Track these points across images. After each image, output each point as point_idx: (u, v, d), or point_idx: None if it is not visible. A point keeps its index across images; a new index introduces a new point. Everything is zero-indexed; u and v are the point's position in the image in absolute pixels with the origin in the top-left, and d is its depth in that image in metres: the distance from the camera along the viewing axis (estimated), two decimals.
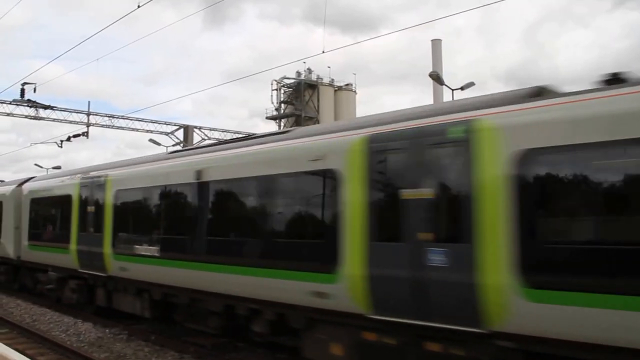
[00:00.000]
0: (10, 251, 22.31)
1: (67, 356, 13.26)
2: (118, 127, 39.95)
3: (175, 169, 13.95)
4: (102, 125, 38.98)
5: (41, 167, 54.87)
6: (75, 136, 37.12)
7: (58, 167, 45.63)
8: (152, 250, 13.95)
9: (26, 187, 22.41)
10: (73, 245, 17.77)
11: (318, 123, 67.11)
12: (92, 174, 17.68)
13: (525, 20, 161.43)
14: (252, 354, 12.82)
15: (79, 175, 18.59)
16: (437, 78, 32.71)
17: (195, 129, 41.63)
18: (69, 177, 19.39)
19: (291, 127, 69.61)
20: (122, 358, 12.93)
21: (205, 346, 13.23)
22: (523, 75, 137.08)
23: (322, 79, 76.58)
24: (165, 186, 14.03)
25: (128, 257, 14.92)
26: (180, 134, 41.25)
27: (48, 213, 20.58)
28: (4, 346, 10.13)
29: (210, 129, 43.10)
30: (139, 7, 17.61)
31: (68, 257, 17.94)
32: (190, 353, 13.09)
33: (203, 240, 12.50)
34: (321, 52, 23.12)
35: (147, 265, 14.09)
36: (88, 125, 37.70)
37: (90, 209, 17.04)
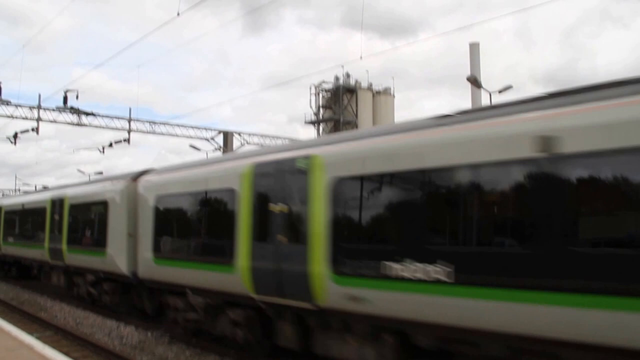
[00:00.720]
0: (121, 266, 17.17)
1: (110, 359, 13.33)
2: (159, 133, 40.20)
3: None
4: (143, 132, 39.32)
5: (83, 172, 55.96)
6: (117, 142, 37.67)
7: (100, 173, 46.34)
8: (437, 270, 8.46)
9: (146, 181, 16.79)
10: (243, 261, 12.06)
11: (357, 127, 67.05)
12: (274, 156, 12.03)
13: (563, 22, 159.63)
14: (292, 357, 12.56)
15: (249, 159, 12.75)
16: (474, 82, 32.52)
17: (235, 134, 41.80)
18: (229, 162, 13.95)
19: (330, 131, 69.77)
20: None
21: (245, 349, 13.05)
22: (562, 77, 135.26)
23: (360, 83, 76.60)
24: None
25: (368, 281, 9.41)
26: (220, 139, 41.46)
27: (187, 215, 14.95)
28: (52, 350, 10.28)
29: (250, 134, 43.26)
30: (178, 14, 17.77)
31: (232, 278, 12.37)
32: (230, 356, 13.05)
33: None
34: (359, 58, 23.07)
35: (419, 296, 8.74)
36: (129, 131, 38.10)
37: (279, 207, 11.33)
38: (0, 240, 30.95)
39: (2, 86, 33.86)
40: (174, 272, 14.54)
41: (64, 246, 21.19)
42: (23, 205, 28.32)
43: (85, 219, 20.31)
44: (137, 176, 17.58)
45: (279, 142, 41.51)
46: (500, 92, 32.03)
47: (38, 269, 26.34)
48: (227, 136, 40.97)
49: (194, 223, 14.51)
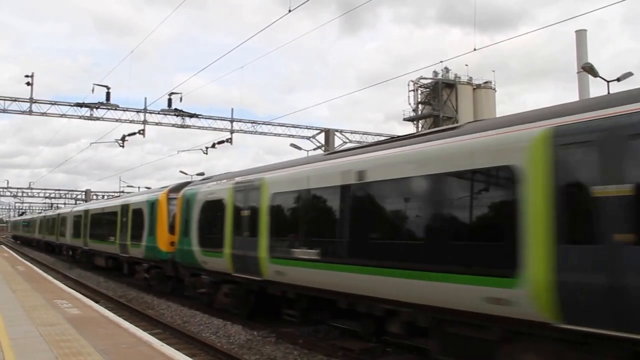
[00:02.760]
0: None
1: (218, 357, 13.51)
2: (261, 133, 40.73)
3: None
4: (246, 132, 39.99)
5: (186, 174, 57.45)
6: (219, 142, 38.40)
7: (202, 174, 47.43)
8: None
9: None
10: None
11: (457, 122, 65.76)
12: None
13: None
14: (400, 358, 12.59)
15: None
16: (590, 70, 30.48)
17: (336, 133, 41.93)
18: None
19: (430, 127, 68.73)
20: None
21: (353, 350, 13.07)
22: None
23: (459, 77, 75.17)
24: None
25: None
26: (321, 138, 41.65)
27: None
28: (170, 348, 10.47)
29: (352, 132, 43.22)
30: (290, 11, 17.89)
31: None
32: (338, 357, 13.00)
33: None
34: (472, 50, 22.44)
35: None
36: (232, 131, 38.79)
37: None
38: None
39: (110, 92, 35.22)
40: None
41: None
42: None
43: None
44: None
45: (380, 139, 41.31)
46: (619, 80, 30.31)
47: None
48: (329, 134, 41.08)
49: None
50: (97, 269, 35.94)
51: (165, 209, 24.24)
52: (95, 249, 35.87)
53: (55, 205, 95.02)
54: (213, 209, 18.97)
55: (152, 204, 25.15)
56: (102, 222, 34.40)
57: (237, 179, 17.60)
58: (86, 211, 38.90)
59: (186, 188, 22.02)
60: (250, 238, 16.17)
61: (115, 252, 30.49)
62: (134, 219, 27.34)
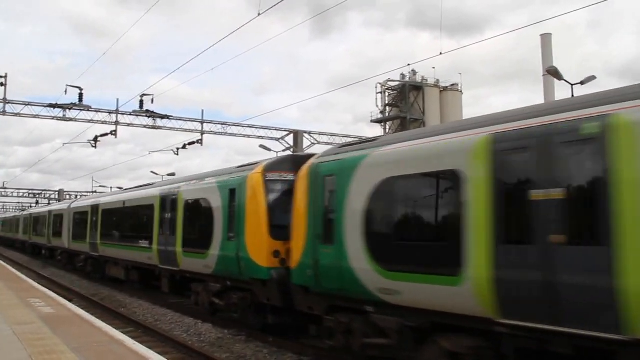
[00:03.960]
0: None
1: (189, 355, 13.74)
2: (231, 134, 41.01)
3: None
4: (216, 133, 40.14)
5: (157, 174, 57.62)
6: (190, 144, 38.66)
7: (172, 174, 47.63)
8: None
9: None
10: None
11: (424, 125, 66.56)
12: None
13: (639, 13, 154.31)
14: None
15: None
16: (555, 73, 31.32)
17: (305, 134, 42.26)
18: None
19: (397, 129, 69.51)
20: (242, 358, 13.32)
21: (323, 348, 13.35)
22: (639, 68, 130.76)
23: (426, 80, 75.96)
24: None
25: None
26: (290, 139, 41.97)
27: None
28: (142, 346, 10.77)
29: (320, 134, 43.66)
30: (259, 14, 18.27)
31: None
32: (309, 355, 13.30)
33: None
34: (438, 54, 23.00)
35: None
36: (202, 133, 38.98)
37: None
38: None
39: (84, 93, 35.28)
40: None
41: None
42: None
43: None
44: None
45: (348, 140, 41.68)
46: (582, 83, 31.08)
47: None
48: (298, 135, 41.44)
49: None
50: (74, 269, 35.40)
51: (262, 197, 15.21)
52: (111, 257, 27.26)
53: (30, 204, 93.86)
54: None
55: (234, 191, 16.35)
56: (124, 220, 26.38)
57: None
58: (96, 206, 30.59)
59: (319, 159, 13.23)
60: None
61: (151, 262, 21.83)
62: (190, 214, 19.17)
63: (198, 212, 18.65)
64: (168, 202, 20.71)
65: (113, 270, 27.39)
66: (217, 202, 17.21)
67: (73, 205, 36.81)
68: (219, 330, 16.27)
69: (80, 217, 33.30)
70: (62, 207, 39.95)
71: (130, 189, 28.69)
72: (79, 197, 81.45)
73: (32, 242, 52.31)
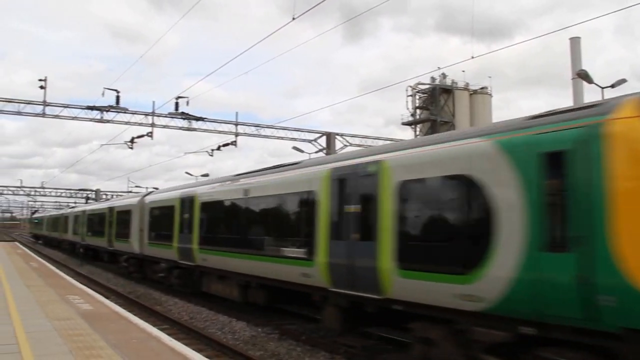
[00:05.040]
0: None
1: (224, 353, 13.84)
2: (264, 136, 41.54)
3: None
4: (250, 135, 40.70)
5: (191, 174, 58.34)
6: (224, 145, 39.15)
7: (206, 175, 48.15)
8: None
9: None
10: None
11: (454, 128, 66.27)
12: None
13: None
14: (399, 356, 12.85)
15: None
16: (585, 77, 30.94)
17: (337, 136, 42.50)
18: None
19: (427, 132, 69.38)
20: (276, 357, 13.42)
21: (355, 347, 13.48)
22: None
23: (456, 83, 75.82)
24: None
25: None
26: (322, 141, 42.24)
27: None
28: (179, 343, 10.98)
29: (352, 136, 43.85)
30: (293, 18, 18.42)
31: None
32: (341, 354, 13.37)
33: None
34: (470, 58, 22.88)
35: None
36: (236, 134, 39.47)
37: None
38: None
39: (120, 96, 36.16)
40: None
41: None
42: None
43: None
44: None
45: (380, 143, 41.84)
46: (613, 86, 30.78)
47: None
48: (330, 137, 41.63)
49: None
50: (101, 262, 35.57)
51: None
52: (217, 268, 19.52)
53: (67, 203, 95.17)
54: None
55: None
56: (246, 218, 17.79)
57: None
58: (189, 198, 22.44)
59: None
60: None
61: (308, 282, 14.11)
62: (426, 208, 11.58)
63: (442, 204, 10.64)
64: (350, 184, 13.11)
65: (216, 286, 20.31)
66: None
67: (150, 199, 28.60)
68: (253, 328, 16.42)
69: (162, 214, 25.77)
70: (130, 202, 31.87)
71: (251, 172, 19.22)
72: (114, 196, 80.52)
73: (86, 243, 43.62)
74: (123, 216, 31.97)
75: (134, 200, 31.40)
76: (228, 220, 19.42)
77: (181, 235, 22.68)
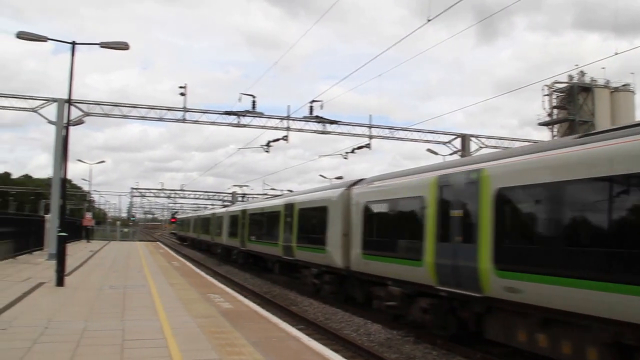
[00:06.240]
0: None
1: (359, 354, 13.81)
2: (397, 139, 41.47)
3: None
4: (384, 137, 40.79)
5: (325, 177, 59.18)
6: (358, 148, 39.50)
7: (340, 178, 48.73)
8: None
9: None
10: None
11: (593, 127, 63.20)
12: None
13: None
14: None
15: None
16: None
17: (472, 138, 41.79)
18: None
19: (565, 132, 66.70)
20: (411, 359, 13.35)
21: (492, 353, 13.18)
22: None
23: (596, 81, 72.42)
24: None
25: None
26: (457, 143, 41.62)
27: None
28: (317, 343, 11.10)
29: (488, 137, 42.94)
30: (429, 20, 18.32)
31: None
32: (478, 358, 13.10)
33: None
34: (613, 54, 21.90)
35: None
36: (370, 137, 39.64)
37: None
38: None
39: (256, 101, 37.50)
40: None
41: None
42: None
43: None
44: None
45: (516, 144, 40.69)
46: None
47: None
48: (465, 140, 40.98)
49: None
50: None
51: None
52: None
53: (205, 205, 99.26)
54: None
55: None
56: None
57: None
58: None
59: None
60: None
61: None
62: None
63: None
64: None
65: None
66: None
67: (360, 190, 19.81)
68: (388, 331, 16.33)
69: (393, 212, 17.20)
70: (326, 196, 22.99)
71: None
72: (248, 199, 77.64)
73: (246, 249, 36.75)
74: (312, 215, 24.56)
75: (333, 193, 22.34)
76: None
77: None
